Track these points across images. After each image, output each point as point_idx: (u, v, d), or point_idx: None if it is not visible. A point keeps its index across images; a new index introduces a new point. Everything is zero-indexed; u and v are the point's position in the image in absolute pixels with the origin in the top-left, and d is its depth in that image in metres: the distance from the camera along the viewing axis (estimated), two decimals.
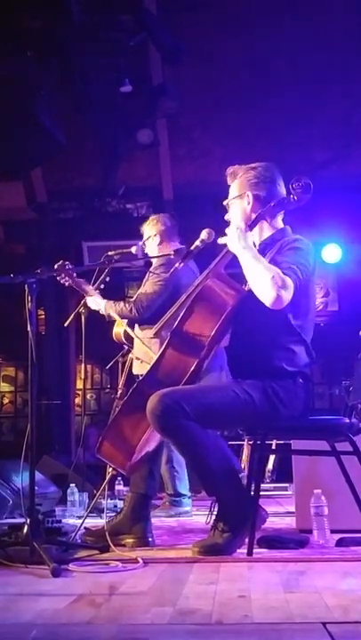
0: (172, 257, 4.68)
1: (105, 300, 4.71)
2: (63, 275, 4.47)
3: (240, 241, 3.19)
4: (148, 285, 4.75)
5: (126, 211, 9.22)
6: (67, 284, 4.59)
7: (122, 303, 4.76)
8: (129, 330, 4.60)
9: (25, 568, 2.76)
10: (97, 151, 8.41)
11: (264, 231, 3.37)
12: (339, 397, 9.35)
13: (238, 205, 3.41)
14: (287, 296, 3.06)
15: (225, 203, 3.47)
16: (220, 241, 3.28)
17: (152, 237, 4.95)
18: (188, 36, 7.46)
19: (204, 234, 3.53)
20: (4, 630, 1.88)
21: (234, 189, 3.45)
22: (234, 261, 3.27)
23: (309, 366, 3.30)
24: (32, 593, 2.36)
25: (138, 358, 4.61)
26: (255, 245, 3.32)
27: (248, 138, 8.49)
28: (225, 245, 3.27)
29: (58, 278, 4.49)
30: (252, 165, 3.43)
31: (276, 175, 3.40)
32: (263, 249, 3.32)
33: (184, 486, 5.02)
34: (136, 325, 4.73)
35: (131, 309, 4.67)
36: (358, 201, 8.56)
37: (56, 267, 4.39)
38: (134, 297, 4.83)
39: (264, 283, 3.06)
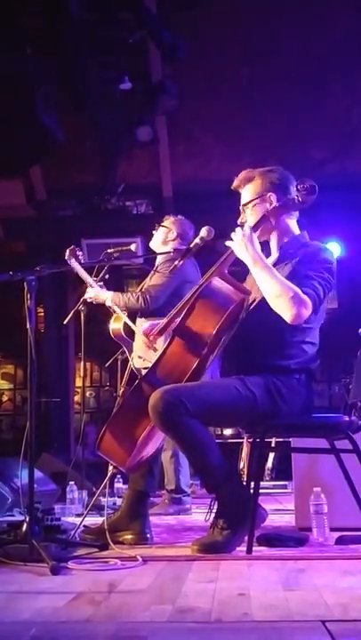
0: (172, 254, 4.71)
1: (111, 292, 4.74)
2: (74, 260, 4.52)
3: (248, 250, 3.17)
4: (156, 278, 4.78)
5: (125, 208, 9.22)
6: (76, 269, 4.64)
7: (128, 294, 4.78)
8: (129, 322, 4.61)
9: (24, 566, 2.76)
10: (96, 149, 8.42)
11: (280, 237, 3.36)
12: (338, 395, 9.36)
13: (258, 207, 3.36)
14: (306, 314, 3.08)
15: (242, 206, 3.42)
16: (227, 244, 3.27)
17: (171, 232, 4.98)
18: (187, 34, 7.46)
19: (203, 231, 3.54)
20: (3, 628, 1.88)
21: (250, 192, 3.39)
22: (238, 260, 3.26)
23: (313, 362, 3.29)
24: (31, 591, 2.36)
25: (140, 357, 4.61)
26: (262, 248, 3.31)
27: (248, 136, 8.49)
28: (229, 247, 3.26)
29: (69, 262, 4.54)
30: (270, 168, 3.40)
31: (287, 177, 3.38)
32: (283, 255, 3.31)
33: (185, 483, 5.02)
34: (137, 319, 4.76)
35: (138, 299, 4.69)
36: (358, 198, 8.57)
37: (68, 251, 4.43)
38: (139, 288, 4.86)
39: (283, 302, 3.06)
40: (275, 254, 3.35)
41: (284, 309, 3.06)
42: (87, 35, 6.63)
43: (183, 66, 7.65)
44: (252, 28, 8.05)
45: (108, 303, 4.73)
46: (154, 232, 5.12)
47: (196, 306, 3.20)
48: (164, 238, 5.02)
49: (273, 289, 3.10)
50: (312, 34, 7.99)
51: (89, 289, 4.80)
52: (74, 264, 4.63)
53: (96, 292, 4.78)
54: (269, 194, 3.33)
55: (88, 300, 4.88)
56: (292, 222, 3.40)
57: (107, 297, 4.74)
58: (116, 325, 4.73)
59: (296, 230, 3.40)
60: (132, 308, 4.71)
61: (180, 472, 4.97)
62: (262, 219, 3.31)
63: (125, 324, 4.75)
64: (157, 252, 4.98)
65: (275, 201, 3.32)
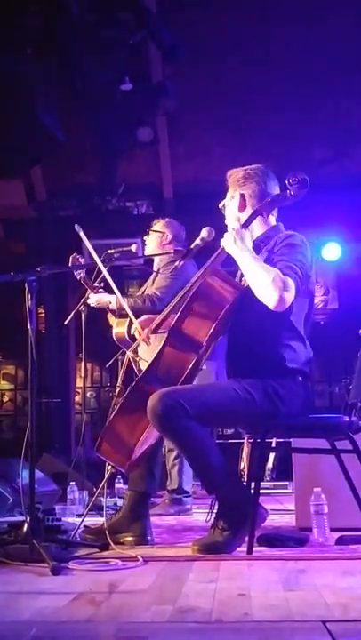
0: (172, 255, 4.71)
1: (114, 295, 4.74)
2: (78, 263, 4.52)
3: (236, 242, 3.21)
4: (160, 280, 4.78)
5: (126, 209, 9.22)
6: (79, 276, 4.64)
7: (134, 297, 4.79)
8: (134, 320, 4.60)
9: (25, 566, 2.76)
10: (97, 149, 8.42)
11: (257, 229, 3.39)
12: (339, 395, 9.37)
13: (231, 207, 3.47)
14: (290, 297, 3.08)
15: (220, 205, 3.52)
16: (221, 242, 3.30)
17: (165, 235, 4.99)
18: (187, 34, 7.46)
19: (204, 232, 3.55)
20: (3, 628, 1.89)
21: (228, 192, 3.51)
22: (231, 259, 3.27)
23: (309, 364, 3.30)
24: (32, 591, 2.36)
25: (139, 357, 4.60)
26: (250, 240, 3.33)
27: (248, 136, 8.49)
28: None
29: (73, 269, 4.54)
30: (244, 167, 3.48)
31: (264, 175, 3.43)
32: (257, 247, 3.33)
33: (188, 483, 5.02)
34: None
35: (144, 301, 4.69)
36: (358, 199, 8.57)
37: (71, 258, 4.44)
38: (140, 292, 4.85)
39: (265, 286, 3.07)
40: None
41: (267, 293, 3.07)
42: (87, 35, 6.63)
43: (183, 66, 7.65)
44: (253, 28, 8.05)
45: (113, 306, 4.72)
46: (145, 238, 5.12)
47: (193, 307, 3.20)
48: (158, 242, 5.02)
49: (255, 274, 3.12)
50: (312, 34, 7.99)
51: (91, 294, 4.79)
52: (77, 272, 4.64)
53: (99, 296, 4.77)
54: (236, 192, 3.43)
55: (91, 305, 4.87)
56: (270, 216, 3.43)
57: (111, 299, 4.73)
58: (119, 329, 4.71)
59: (272, 222, 3.44)
60: (138, 310, 4.70)
61: (183, 473, 4.97)
62: (254, 214, 3.33)
63: (129, 327, 4.73)
64: (156, 253, 4.98)
65: (239, 199, 3.41)
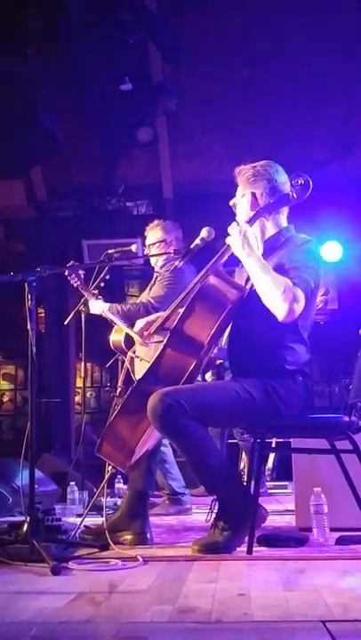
0: (172, 255, 4.70)
1: (107, 304, 4.70)
2: (74, 275, 4.51)
3: (245, 247, 3.18)
4: (157, 288, 4.77)
5: (126, 209, 9.21)
6: (75, 284, 4.63)
7: (128, 305, 4.77)
8: (129, 331, 4.60)
9: (25, 566, 2.76)
10: (97, 149, 8.42)
11: (268, 230, 3.37)
12: (339, 395, 9.37)
13: (242, 205, 3.42)
14: (299, 308, 3.07)
15: (231, 203, 3.48)
16: (227, 240, 3.28)
17: (169, 241, 4.95)
18: (187, 35, 7.46)
19: (203, 232, 3.54)
20: (3, 629, 1.89)
21: (238, 189, 3.46)
22: (232, 259, 3.27)
23: (309, 364, 3.30)
24: (32, 591, 2.36)
25: (138, 357, 4.60)
26: (258, 241, 3.31)
27: (248, 136, 8.49)
28: (225, 243, 3.27)
29: (69, 278, 4.53)
30: (254, 164, 3.44)
31: (275, 172, 3.38)
32: (268, 248, 3.32)
33: (180, 485, 5.01)
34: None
35: (139, 309, 4.67)
36: (358, 199, 8.56)
37: (68, 266, 4.43)
38: (139, 300, 4.84)
39: (275, 297, 3.06)
40: (260, 247, 3.35)
41: (277, 305, 3.06)
42: (87, 35, 6.63)
43: (183, 66, 7.64)
44: (253, 28, 8.05)
45: (107, 314, 4.70)
46: (147, 251, 5.06)
47: (194, 308, 3.19)
48: (162, 249, 4.97)
49: (265, 284, 3.10)
50: (312, 34, 7.99)
51: (90, 302, 4.77)
52: (73, 280, 4.63)
53: (94, 305, 4.75)
54: (247, 191, 3.38)
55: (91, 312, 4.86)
56: (281, 216, 3.41)
57: (103, 308, 4.69)
58: (116, 337, 4.70)
59: (284, 223, 3.41)
60: (132, 318, 4.69)
61: (169, 477, 4.96)
62: (256, 215, 3.31)
63: (126, 335, 4.71)
64: (156, 254, 4.96)
65: (250, 198, 3.35)
